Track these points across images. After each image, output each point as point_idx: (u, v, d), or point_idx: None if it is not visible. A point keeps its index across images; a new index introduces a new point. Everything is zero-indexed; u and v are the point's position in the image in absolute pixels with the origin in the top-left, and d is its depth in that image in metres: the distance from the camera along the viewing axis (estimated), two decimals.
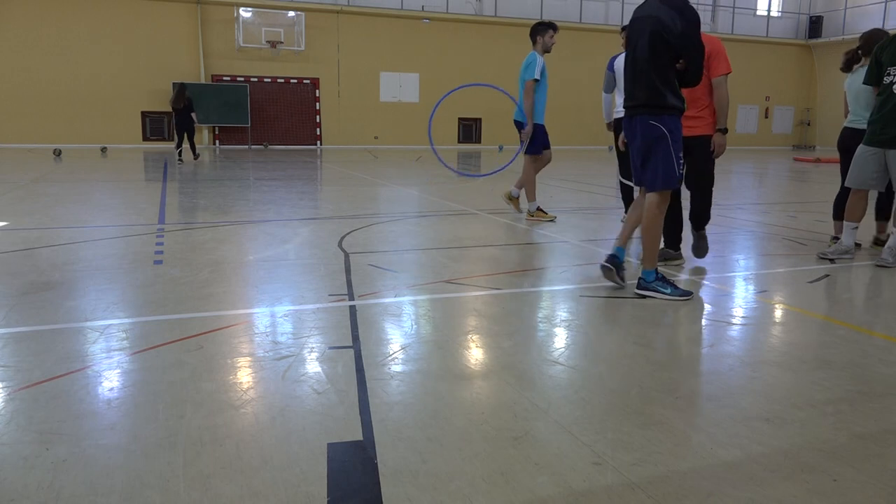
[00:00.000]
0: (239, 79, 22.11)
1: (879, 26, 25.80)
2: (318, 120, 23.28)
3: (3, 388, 2.43)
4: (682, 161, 3.78)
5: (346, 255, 4.87)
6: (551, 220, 6.68)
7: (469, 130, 25.42)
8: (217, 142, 22.23)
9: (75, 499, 1.74)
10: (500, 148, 24.60)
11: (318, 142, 23.39)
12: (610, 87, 7.18)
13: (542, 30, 6.72)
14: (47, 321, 3.24)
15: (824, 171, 15.34)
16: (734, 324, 3.47)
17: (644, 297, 3.80)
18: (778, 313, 3.62)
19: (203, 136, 22.21)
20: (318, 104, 23.21)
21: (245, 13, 21.66)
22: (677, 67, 3.68)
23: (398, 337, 3.10)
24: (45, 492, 1.76)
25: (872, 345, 3.12)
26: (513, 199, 7.19)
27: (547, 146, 6.96)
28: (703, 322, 3.53)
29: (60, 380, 2.50)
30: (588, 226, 6.61)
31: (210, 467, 1.90)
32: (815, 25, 28.44)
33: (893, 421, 2.28)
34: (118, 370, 2.62)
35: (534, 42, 6.76)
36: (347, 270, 4.41)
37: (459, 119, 25.14)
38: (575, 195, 9.57)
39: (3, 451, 1.98)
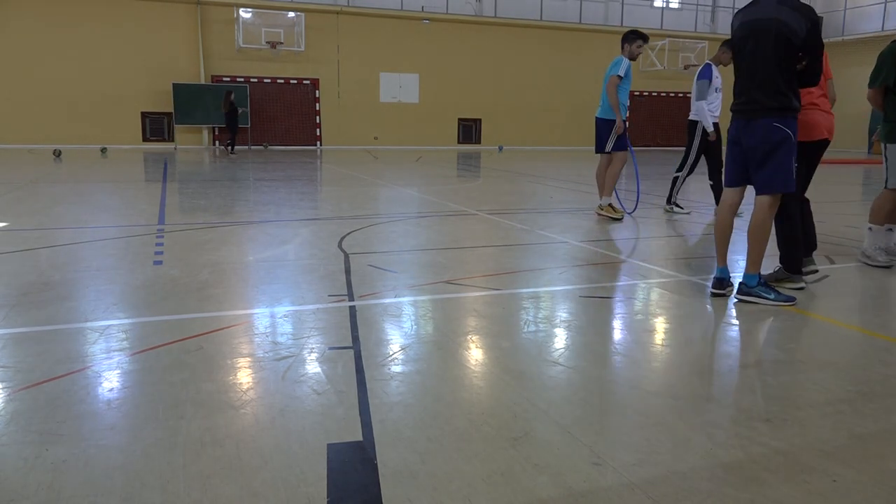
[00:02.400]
0: (239, 79, 22.11)
1: (879, 27, 25.80)
2: (317, 120, 23.28)
3: (3, 388, 2.43)
4: (796, 164, 3.78)
5: (346, 256, 4.87)
6: (619, 219, 6.77)
7: (469, 131, 25.42)
8: (217, 142, 22.22)
9: (75, 499, 1.74)
10: (500, 148, 24.60)
11: (318, 142, 23.39)
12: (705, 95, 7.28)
13: (630, 38, 6.96)
14: (47, 321, 3.24)
15: (823, 171, 15.33)
16: (734, 324, 3.47)
17: (747, 303, 3.74)
18: (777, 314, 3.61)
19: (203, 136, 22.22)
20: (317, 105, 23.22)
21: (245, 14, 21.67)
22: (798, 68, 3.68)
23: (398, 337, 3.10)
24: (44, 492, 1.77)
25: (872, 345, 3.12)
26: (606, 209, 7.02)
27: (624, 147, 7.01)
28: (703, 322, 3.53)
29: (60, 380, 2.50)
30: (587, 226, 6.61)
31: (210, 468, 1.90)
32: None
33: (893, 421, 2.29)
34: (118, 371, 2.62)
35: (622, 48, 7.01)
36: (347, 271, 4.41)
37: (459, 119, 25.14)
38: (574, 195, 9.57)
39: (4, 451, 1.98)
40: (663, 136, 27.66)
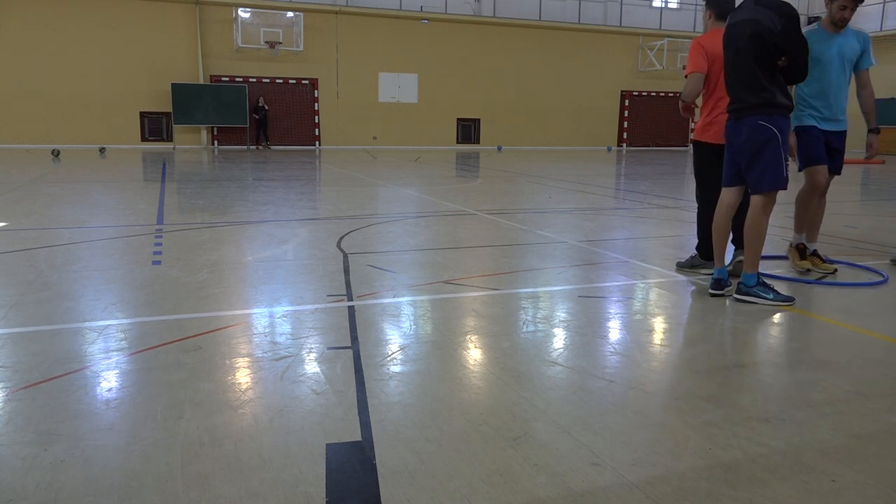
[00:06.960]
0: (238, 79, 22.09)
1: (878, 27, 25.82)
2: (316, 120, 23.27)
3: (1, 388, 2.43)
4: (788, 162, 3.77)
5: (345, 256, 4.87)
6: (832, 272, 4.60)
7: (468, 131, 25.41)
8: (216, 142, 22.21)
9: (74, 499, 1.74)
10: (499, 148, 24.61)
11: (317, 142, 23.38)
12: None
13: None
14: (46, 321, 3.23)
15: None
16: (733, 324, 3.47)
17: (745, 303, 3.74)
18: (777, 314, 3.62)
19: (201, 136, 22.21)
20: (316, 105, 23.20)
21: (244, 14, 21.64)
22: (779, 65, 3.69)
23: (397, 337, 3.10)
24: (43, 492, 1.76)
25: (871, 345, 3.12)
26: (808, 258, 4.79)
27: (813, 160, 4.63)
28: (702, 322, 3.53)
29: (59, 380, 2.50)
30: (586, 226, 6.61)
31: (208, 468, 1.90)
32: None
33: (892, 422, 2.29)
34: (116, 371, 2.62)
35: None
36: (346, 271, 4.41)
37: (458, 120, 25.14)
38: (573, 195, 9.57)
39: (2, 451, 1.97)
40: (662, 137, 27.68)
